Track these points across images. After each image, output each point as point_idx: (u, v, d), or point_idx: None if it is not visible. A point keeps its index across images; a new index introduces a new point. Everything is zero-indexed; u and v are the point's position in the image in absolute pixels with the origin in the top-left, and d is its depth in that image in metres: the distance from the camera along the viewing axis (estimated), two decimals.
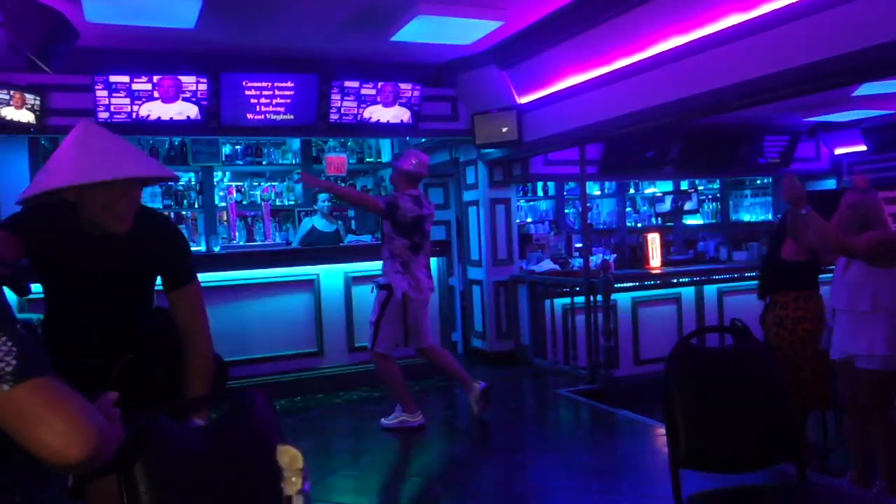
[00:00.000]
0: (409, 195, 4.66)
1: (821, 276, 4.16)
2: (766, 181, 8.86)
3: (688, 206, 8.28)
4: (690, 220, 8.75)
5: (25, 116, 5.21)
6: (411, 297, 4.57)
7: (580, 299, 6.01)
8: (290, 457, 0.72)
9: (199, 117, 5.58)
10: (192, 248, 7.09)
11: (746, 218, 8.88)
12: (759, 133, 7.73)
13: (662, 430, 4.37)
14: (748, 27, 4.02)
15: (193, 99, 5.52)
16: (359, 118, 6.05)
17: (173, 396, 2.10)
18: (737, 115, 5.74)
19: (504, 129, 6.30)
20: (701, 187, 8.86)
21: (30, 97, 5.21)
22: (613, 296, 5.91)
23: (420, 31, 5.07)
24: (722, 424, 2.27)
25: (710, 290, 7.03)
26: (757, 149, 7.83)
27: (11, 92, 5.11)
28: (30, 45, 4.10)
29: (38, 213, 2.03)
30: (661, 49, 4.64)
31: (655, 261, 7.21)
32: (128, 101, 5.39)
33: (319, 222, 6.68)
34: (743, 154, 7.80)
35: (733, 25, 4.11)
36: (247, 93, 5.69)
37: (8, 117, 5.10)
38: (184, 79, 5.48)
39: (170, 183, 1.85)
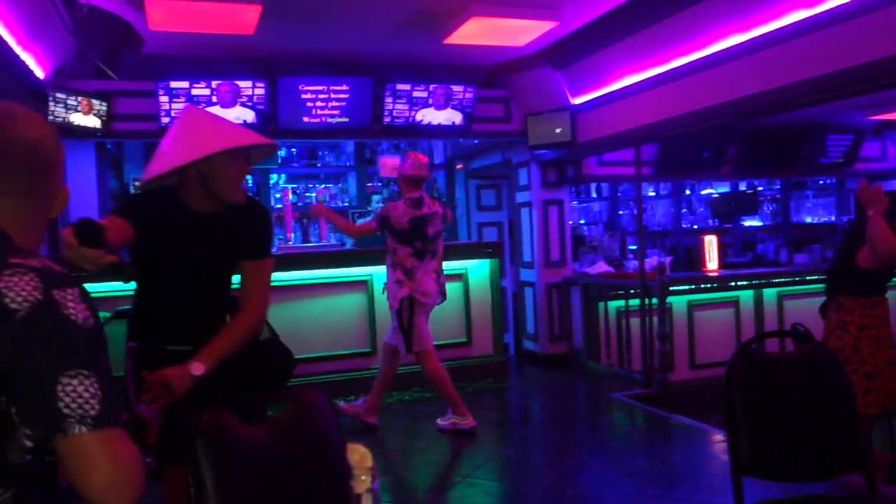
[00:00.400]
0: (408, 199, 4.62)
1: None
2: (828, 182, 8.59)
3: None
4: (749, 222, 8.54)
5: (93, 122, 5.40)
6: (418, 299, 4.55)
7: (635, 302, 5.93)
8: (360, 455, 0.73)
9: (255, 121, 5.70)
10: None
11: (808, 219, 8.61)
12: (822, 132, 7.49)
13: (720, 437, 4.29)
14: (811, 23, 3.90)
15: (250, 103, 5.65)
16: (411, 120, 6.10)
17: (251, 387, 2.18)
18: (798, 113, 5.58)
19: (557, 130, 6.26)
20: (760, 188, 8.64)
21: (97, 103, 5.40)
22: (669, 299, 5.82)
23: (473, 33, 5.08)
24: (785, 431, 2.21)
25: (770, 293, 6.85)
26: (819, 148, 7.59)
27: (80, 98, 5.31)
28: (98, 53, 4.26)
29: (144, 197, 2.18)
30: (720, 47, 4.55)
31: (712, 263, 7.06)
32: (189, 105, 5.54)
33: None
34: (805, 154, 7.57)
35: (795, 22, 4.00)
36: (303, 96, 5.79)
37: (76, 122, 5.30)
38: (241, 83, 5.61)
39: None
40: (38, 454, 1.02)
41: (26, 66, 4.50)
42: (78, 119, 5.31)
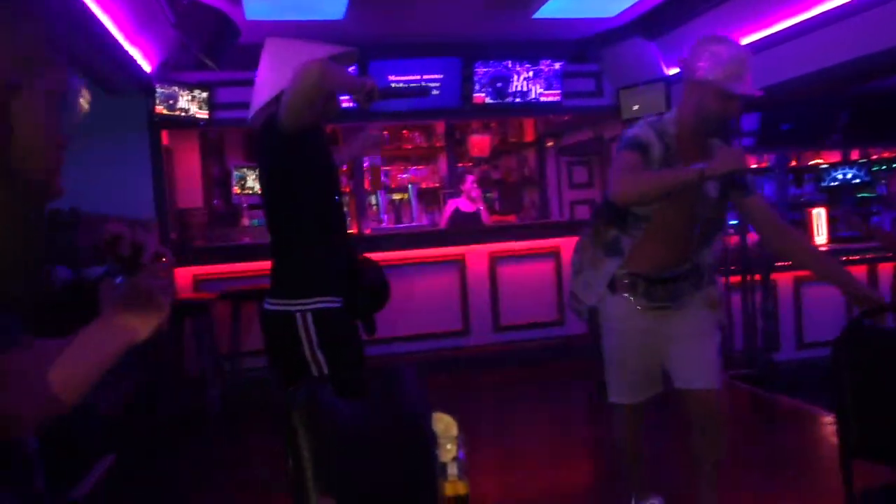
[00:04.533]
0: None
1: None
2: None
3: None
4: (863, 194, 8.02)
5: (196, 111, 5.65)
6: None
7: (737, 278, 5.69)
8: (444, 424, 0.74)
9: (348, 103, 5.80)
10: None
11: None
12: None
13: (829, 419, 4.07)
14: None
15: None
16: (502, 99, 6.05)
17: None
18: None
19: (652, 103, 6.05)
20: (875, 158, 8.08)
21: (199, 93, 5.65)
22: (773, 275, 5.55)
23: (562, 5, 4.97)
24: None
25: (886, 269, 6.42)
26: None
27: (184, 89, 5.56)
28: (199, 45, 4.45)
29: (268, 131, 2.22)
30: (829, 6, 4.27)
31: (821, 237, 6.67)
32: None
33: (463, 203, 6.77)
34: None
35: None
36: (392, 77, 5.84)
37: (181, 113, 5.56)
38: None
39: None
40: None
41: (134, 61, 4.76)
42: (183, 110, 5.57)
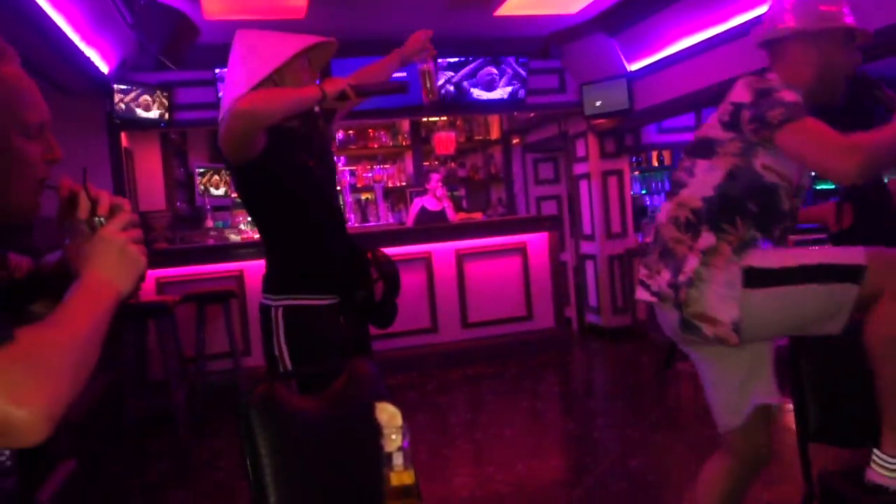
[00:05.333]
0: None
1: None
2: None
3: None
4: (822, 186, 8.19)
5: (156, 113, 5.58)
6: None
7: None
8: (388, 414, 0.74)
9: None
10: None
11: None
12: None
13: (789, 406, 4.15)
14: None
15: None
16: (465, 96, 6.07)
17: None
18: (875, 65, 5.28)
19: (615, 98, 6.12)
20: None
21: (159, 94, 5.57)
22: None
23: (524, 2, 5.00)
24: (855, 395, 2.12)
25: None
26: None
27: (143, 90, 5.48)
28: (157, 45, 4.39)
29: None
30: None
31: None
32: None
33: (429, 202, 6.78)
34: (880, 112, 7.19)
35: None
36: None
37: (141, 114, 5.48)
38: None
39: None
40: None
41: (91, 62, 4.67)
42: (142, 111, 5.49)
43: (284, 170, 2.08)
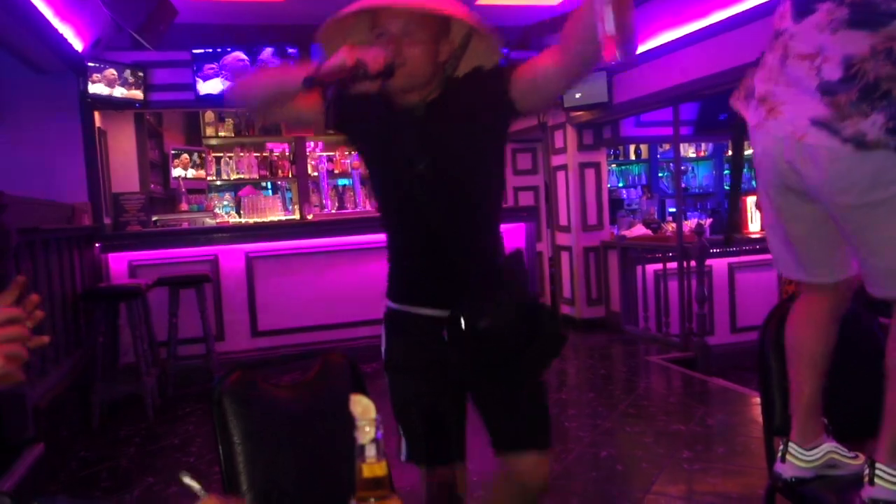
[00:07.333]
0: None
1: None
2: None
3: None
4: None
5: (131, 93, 5.49)
6: None
7: (674, 265, 5.85)
8: (362, 406, 0.74)
9: None
10: (287, 217, 7.16)
11: None
12: None
13: (758, 400, 4.24)
14: None
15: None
16: None
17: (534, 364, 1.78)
18: None
19: (595, 91, 6.15)
20: None
21: (134, 74, 5.48)
22: (708, 261, 5.72)
23: None
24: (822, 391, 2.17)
25: None
26: None
27: (118, 69, 5.39)
28: (132, 24, 4.32)
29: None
30: (761, 0, 4.39)
31: (754, 225, 6.90)
32: (224, 74, 5.59)
33: None
34: None
35: None
36: None
37: (116, 94, 5.39)
38: (275, 50, 5.63)
39: None
40: None
41: (64, 39, 4.58)
42: (117, 90, 5.40)
43: (373, 162, 1.75)
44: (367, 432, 0.73)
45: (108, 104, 5.43)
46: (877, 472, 1.69)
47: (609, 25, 1.28)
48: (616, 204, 7.36)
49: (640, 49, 5.64)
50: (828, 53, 1.59)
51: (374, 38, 1.61)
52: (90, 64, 5.20)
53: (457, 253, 1.66)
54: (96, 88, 5.25)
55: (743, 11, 4.55)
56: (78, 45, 4.88)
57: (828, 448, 1.88)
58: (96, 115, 5.51)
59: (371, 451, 0.73)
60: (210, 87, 5.63)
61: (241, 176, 7.41)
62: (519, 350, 1.66)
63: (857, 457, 1.86)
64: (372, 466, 0.73)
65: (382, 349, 1.82)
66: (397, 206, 1.71)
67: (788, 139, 1.63)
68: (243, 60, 5.63)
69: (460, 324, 1.60)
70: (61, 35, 4.50)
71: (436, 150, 1.59)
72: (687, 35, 5.12)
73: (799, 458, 1.89)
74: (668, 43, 5.31)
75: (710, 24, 4.87)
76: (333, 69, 1.50)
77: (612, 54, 1.30)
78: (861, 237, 1.67)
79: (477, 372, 1.70)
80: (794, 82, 1.64)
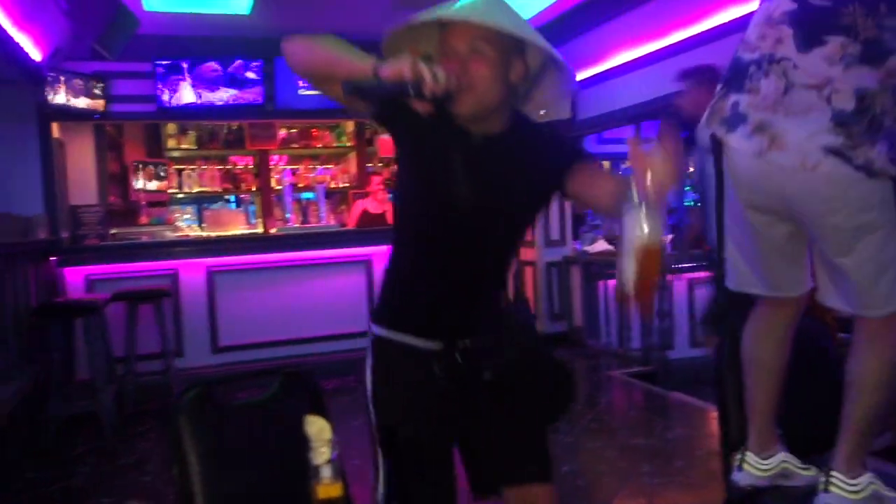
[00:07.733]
0: None
1: None
2: None
3: None
4: None
5: (90, 103, 5.40)
6: None
7: None
8: (318, 427, 0.74)
9: (255, 101, 5.70)
10: (250, 231, 7.10)
11: None
12: None
13: (715, 413, 4.30)
14: None
15: (249, 84, 5.64)
16: None
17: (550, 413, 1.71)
18: None
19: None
20: None
21: (94, 84, 5.39)
22: (669, 276, 5.81)
23: None
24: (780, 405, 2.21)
25: None
26: None
27: (77, 80, 5.30)
28: (93, 34, 4.26)
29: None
30: (721, 21, 4.51)
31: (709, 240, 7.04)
32: (187, 85, 5.54)
33: (371, 205, 6.75)
34: None
35: None
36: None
37: (74, 104, 5.30)
38: (239, 64, 5.61)
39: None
40: None
41: (22, 49, 4.50)
42: (76, 101, 5.31)
43: (410, 172, 1.64)
44: (322, 453, 0.73)
45: (67, 115, 5.34)
46: (832, 479, 1.74)
47: (628, 274, 1.21)
48: (579, 219, 7.44)
49: (602, 67, 5.74)
50: (837, 85, 1.61)
51: (440, 56, 1.48)
52: (49, 74, 5.11)
53: (471, 290, 1.61)
54: (54, 99, 5.15)
55: (701, 32, 4.66)
56: (36, 55, 4.78)
57: (782, 457, 1.93)
58: (54, 125, 5.41)
59: (326, 472, 0.73)
60: (174, 98, 5.57)
61: (204, 189, 7.32)
62: (522, 401, 1.62)
63: (808, 468, 1.91)
64: (327, 487, 0.72)
65: (368, 382, 1.70)
66: (425, 227, 1.62)
67: (798, 171, 1.64)
68: (216, 71, 5.60)
69: (455, 358, 1.56)
70: (18, 44, 4.41)
71: (482, 186, 1.50)
72: (647, 55, 5.22)
73: (755, 467, 1.93)
74: (629, 62, 5.41)
75: (670, 44, 4.97)
76: (391, 75, 1.37)
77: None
78: (843, 257, 1.70)
79: (476, 413, 1.64)
80: (801, 111, 1.64)
